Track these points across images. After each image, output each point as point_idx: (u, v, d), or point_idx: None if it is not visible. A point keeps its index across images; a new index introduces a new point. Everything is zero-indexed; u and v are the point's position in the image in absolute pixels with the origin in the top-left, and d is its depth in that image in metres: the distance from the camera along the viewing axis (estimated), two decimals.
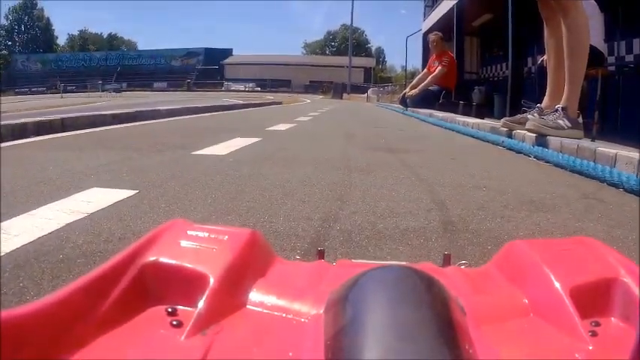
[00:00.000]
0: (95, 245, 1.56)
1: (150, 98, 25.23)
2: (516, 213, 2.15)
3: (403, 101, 13.58)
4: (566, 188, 2.80)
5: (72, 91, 48.39)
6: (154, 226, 0.74)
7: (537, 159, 3.97)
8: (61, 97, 31.21)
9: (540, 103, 4.69)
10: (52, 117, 6.08)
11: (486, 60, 17.25)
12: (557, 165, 3.60)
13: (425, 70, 13.66)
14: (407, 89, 13.84)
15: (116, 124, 7.00)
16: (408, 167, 3.42)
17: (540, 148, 4.04)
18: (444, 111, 10.89)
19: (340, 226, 1.85)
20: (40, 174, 2.81)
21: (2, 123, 4.83)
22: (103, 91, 44.61)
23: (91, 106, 13.90)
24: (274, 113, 12.79)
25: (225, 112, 12.36)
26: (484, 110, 11.16)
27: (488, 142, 5.47)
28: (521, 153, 4.39)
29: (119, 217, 1.89)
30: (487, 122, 6.85)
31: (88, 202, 2.12)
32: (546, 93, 4.65)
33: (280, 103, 22.40)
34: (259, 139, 5.16)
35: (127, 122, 7.33)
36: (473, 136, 6.17)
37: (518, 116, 4.96)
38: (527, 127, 4.36)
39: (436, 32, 13.43)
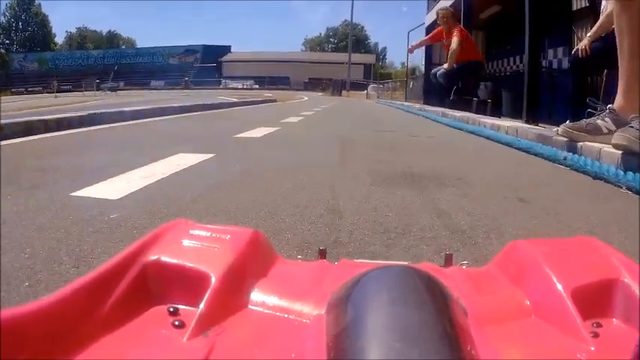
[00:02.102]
0: None
1: (144, 97, 24.27)
2: None
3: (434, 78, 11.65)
4: None
5: (68, 91, 47.45)
6: None
7: (630, 191, 2.66)
8: (55, 97, 30.10)
9: (572, 103, 4.03)
10: None
11: (493, 55, 16.18)
12: None
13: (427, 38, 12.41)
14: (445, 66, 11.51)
15: (55, 130, 5.80)
16: (456, 234, 1.87)
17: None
18: (454, 108, 9.69)
19: None
20: None
21: None
22: (98, 90, 43.82)
23: (73, 106, 12.76)
24: (262, 112, 11.58)
25: (205, 112, 11.11)
26: (494, 108, 9.95)
27: (537, 155, 4.18)
28: (600, 179, 3.02)
29: None
30: (529, 127, 5.47)
31: None
32: (619, 90, 3.37)
33: (275, 100, 21.28)
34: (210, 155, 3.85)
35: (79, 127, 6.19)
36: (511, 146, 4.84)
37: (583, 122, 3.65)
38: (615, 141, 3.02)
39: (447, 7, 12.04)
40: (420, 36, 21.27)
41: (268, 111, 12.69)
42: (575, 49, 5.15)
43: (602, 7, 4.85)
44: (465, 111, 9.60)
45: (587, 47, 4.78)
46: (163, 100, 16.13)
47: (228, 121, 8.48)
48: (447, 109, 9.69)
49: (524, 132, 5.11)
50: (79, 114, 6.78)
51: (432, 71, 12.00)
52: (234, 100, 18.43)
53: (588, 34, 4.90)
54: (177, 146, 4.24)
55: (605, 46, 4.61)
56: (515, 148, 4.75)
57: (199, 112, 10.59)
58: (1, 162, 3.17)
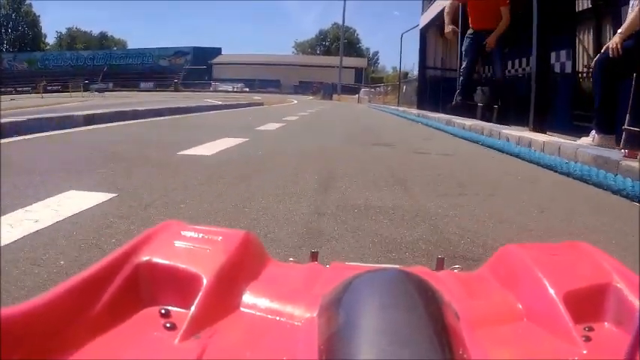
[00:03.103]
0: None
1: (130, 99, 23.38)
2: None
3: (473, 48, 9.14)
4: None
5: (57, 91, 46.63)
6: None
7: None
8: (42, 97, 29.37)
9: (600, 111, 4.04)
10: None
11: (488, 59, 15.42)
12: None
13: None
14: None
15: None
16: None
17: None
18: (457, 114, 8.85)
19: None
20: None
21: None
22: (85, 91, 43.31)
23: (44, 108, 11.85)
24: (240, 117, 10.70)
25: (178, 115, 10.20)
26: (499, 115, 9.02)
27: (598, 185, 3.31)
28: None
29: None
30: (578, 146, 4.38)
31: None
32: None
33: (262, 104, 20.63)
34: (110, 196, 2.69)
35: (8, 136, 5.27)
36: (555, 170, 3.93)
37: None
38: None
39: None
40: (415, 39, 20.54)
41: (248, 115, 11.83)
42: (604, 48, 4.58)
43: (630, 4, 4.42)
44: (467, 117, 8.77)
45: (619, 46, 4.21)
46: (144, 102, 15.43)
47: (192, 128, 7.49)
48: (453, 116, 8.77)
49: (570, 151, 4.10)
50: (10, 120, 5.85)
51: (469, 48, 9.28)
52: (218, 102, 17.80)
53: (619, 31, 4.35)
54: (81, 174, 3.22)
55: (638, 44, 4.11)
56: (561, 174, 3.82)
57: (169, 117, 9.69)
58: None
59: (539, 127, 7.26)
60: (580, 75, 10.29)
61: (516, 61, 12.74)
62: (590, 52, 10.11)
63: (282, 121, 9.50)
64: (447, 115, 9.26)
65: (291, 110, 15.48)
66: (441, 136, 7.57)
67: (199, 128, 7.48)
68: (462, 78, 9.22)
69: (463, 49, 9.13)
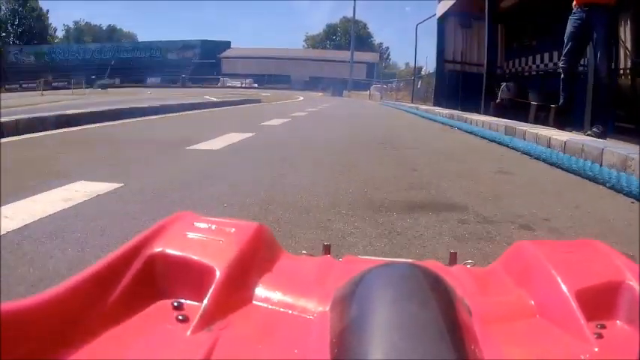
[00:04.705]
0: None
1: (133, 96, 22.61)
2: None
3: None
4: None
5: (64, 87, 45.60)
6: None
7: None
8: (42, 95, 28.52)
9: None
10: None
11: (514, 52, 14.37)
12: None
13: None
14: None
15: None
16: None
17: None
18: (502, 116, 7.18)
19: None
20: None
21: None
22: (88, 87, 42.41)
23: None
24: (214, 120, 9.30)
25: (137, 118, 8.72)
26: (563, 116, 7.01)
27: None
28: None
29: None
30: None
31: None
32: None
33: (259, 101, 19.97)
34: None
35: None
36: None
37: None
38: None
39: None
40: (433, 30, 18.59)
41: (223, 118, 10.20)
42: None
43: None
44: (515, 119, 7.14)
45: None
46: (136, 100, 14.30)
47: (112, 146, 5.42)
48: (513, 123, 6.75)
49: None
50: None
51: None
52: (214, 99, 16.58)
53: None
54: None
55: None
56: None
57: (128, 120, 8.18)
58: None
59: (599, 133, 5.67)
60: (620, 71, 8.49)
61: (546, 55, 11.18)
62: (629, 45, 8.35)
63: (256, 128, 7.37)
64: (496, 119, 7.20)
65: (287, 109, 13.82)
66: (516, 161, 4.79)
67: (116, 144, 5.41)
68: (562, 75, 6.72)
69: (565, 35, 6.54)
